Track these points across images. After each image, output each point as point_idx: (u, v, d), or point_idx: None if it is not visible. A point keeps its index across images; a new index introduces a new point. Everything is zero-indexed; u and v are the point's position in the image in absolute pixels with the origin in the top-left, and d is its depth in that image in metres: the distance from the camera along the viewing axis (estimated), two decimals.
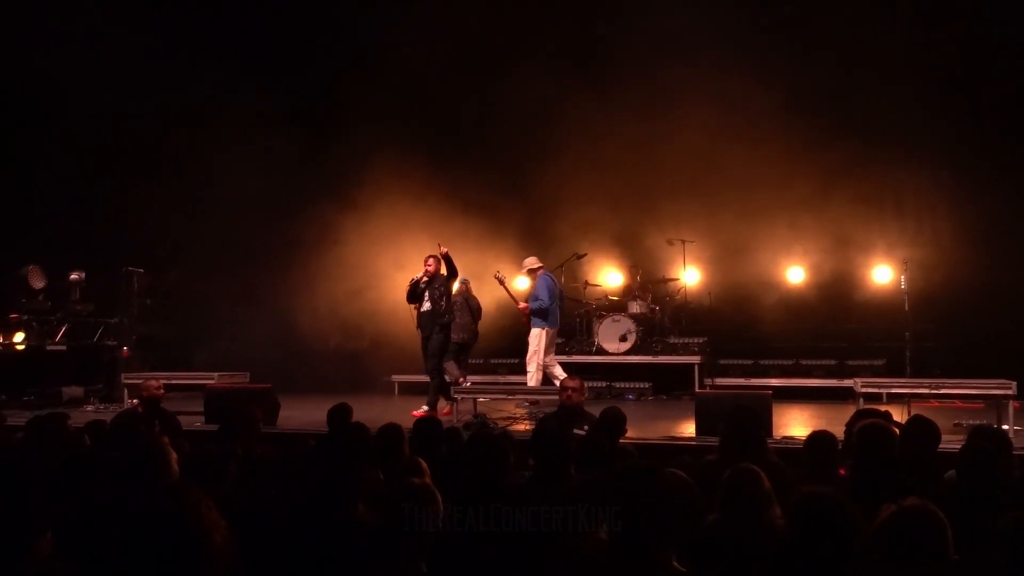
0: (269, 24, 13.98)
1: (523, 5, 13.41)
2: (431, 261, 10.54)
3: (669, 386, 12.58)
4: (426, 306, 10.50)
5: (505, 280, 11.35)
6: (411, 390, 13.51)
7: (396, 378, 13.99)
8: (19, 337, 12.57)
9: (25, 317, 12.66)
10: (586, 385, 7.86)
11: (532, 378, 10.80)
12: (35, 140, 13.10)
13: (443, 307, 10.50)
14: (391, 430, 5.24)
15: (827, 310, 13.45)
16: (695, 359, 12.54)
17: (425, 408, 10.06)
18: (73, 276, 13.19)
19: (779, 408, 9.07)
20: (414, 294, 10.59)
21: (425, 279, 10.51)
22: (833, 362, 12.53)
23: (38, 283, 12.88)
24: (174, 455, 4.05)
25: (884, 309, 12.78)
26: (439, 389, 10.50)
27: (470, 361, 13.51)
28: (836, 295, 13.46)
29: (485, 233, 13.78)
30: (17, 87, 12.70)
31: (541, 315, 10.87)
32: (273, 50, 14.02)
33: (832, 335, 13.12)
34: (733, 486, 3.68)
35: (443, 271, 10.51)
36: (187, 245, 14.45)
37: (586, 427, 6.65)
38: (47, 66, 12.43)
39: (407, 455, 4.90)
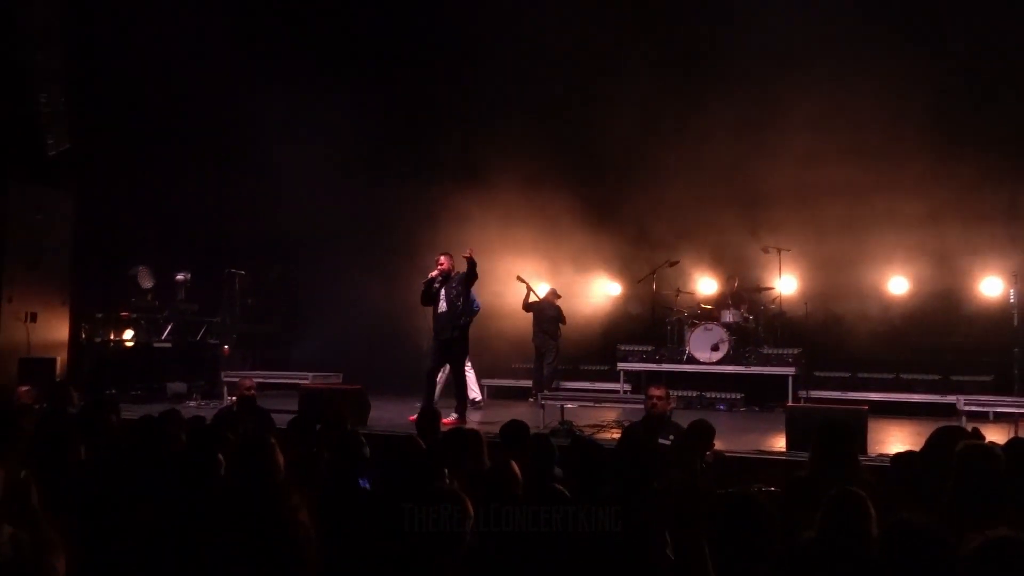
0: (371, 28, 14.22)
1: (624, 14, 13.32)
2: (443, 259, 10.09)
3: (762, 397, 12.29)
4: (442, 307, 10.00)
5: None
6: (497, 394, 13.63)
7: (486, 382, 13.97)
8: (128, 334, 13.16)
9: (134, 315, 13.22)
10: (672, 394, 7.77)
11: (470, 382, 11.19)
12: (148, 149, 13.68)
13: (460, 307, 9.98)
14: (467, 434, 5.27)
15: (931, 323, 12.95)
16: (789, 370, 12.24)
17: (455, 416, 9.60)
18: (179, 277, 13.73)
19: (876, 424, 8.78)
20: (428, 295, 10.08)
21: (440, 277, 10.02)
22: (936, 377, 12.06)
23: (147, 283, 13.44)
24: (280, 456, 4.15)
25: (992, 323, 12.25)
26: (460, 397, 10.00)
27: (560, 367, 13.69)
28: (941, 307, 12.95)
29: (580, 242, 13.88)
30: (129, 89, 13.26)
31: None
32: (372, 52, 14.28)
33: (935, 349, 12.60)
34: (836, 508, 3.50)
35: (457, 270, 10.01)
36: (288, 247, 14.92)
37: (672, 437, 6.54)
38: (155, 65, 13.01)
39: (498, 458, 4.89)
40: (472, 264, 9.81)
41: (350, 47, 14.24)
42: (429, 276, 10.08)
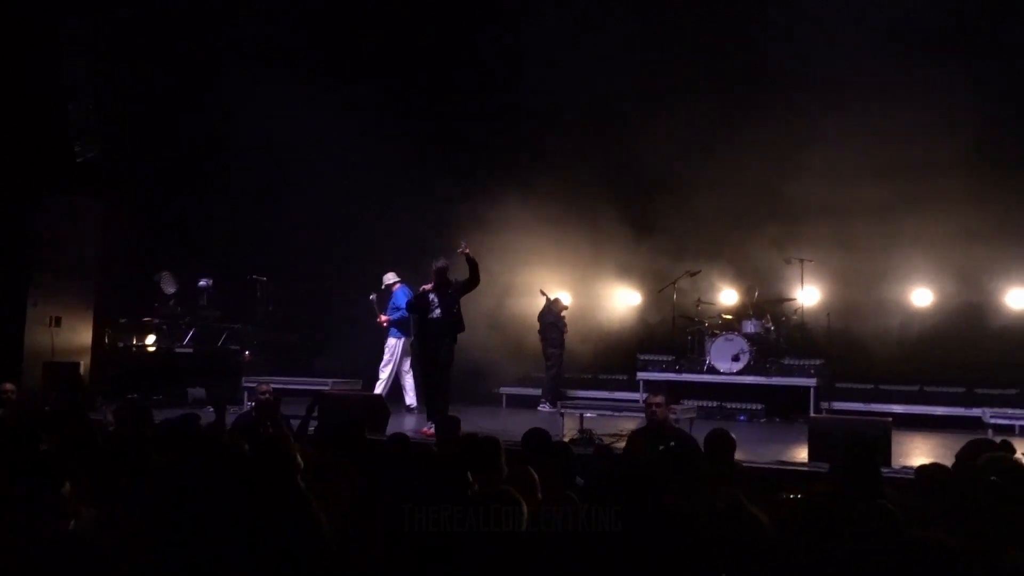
0: (411, 48, 14.27)
1: (662, 36, 13.27)
2: (440, 265, 9.86)
3: (783, 409, 12.23)
4: (436, 313, 9.75)
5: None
6: (519, 403, 13.68)
7: (504, 390, 14.10)
8: (151, 339, 13.22)
9: (157, 321, 13.29)
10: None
11: (382, 385, 11.94)
12: (175, 157, 13.81)
13: (455, 315, 9.77)
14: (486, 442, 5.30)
15: (956, 335, 12.76)
16: (811, 382, 12.17)
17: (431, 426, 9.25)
18: (202, 283, 13.79)
19: (900, 436, 8.71)
20: (421, 302, 9.90)
21: (432, 288, 9.84)
22: (961, 390, 11.93)
23: (170, 288, 13.48)
24: (300, 461, 4.19)
25: (1018, 336, 12.12)
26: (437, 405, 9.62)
27: (579, 376, 13.78)
28: (966, 319, 12.79)
29: (599, 251, 13.90)
30: (157, 99, 13.41)
31: (400, 326, 12.08)
32: (410, 71, 14.33)
33: (961, 362, 12.38)
34: (867, 523, 3.47)
35: (452, 279, 9.83)
36: (309, 255, 15.00)
37: (672, 443, 6.50)
38: (183, 76, 13.16)
39: (518, 466, 4.91)
40: (473, 265, 9.58)
41: (394, 58, 14.27)
42: (422, 289, 9.97)
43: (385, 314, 12.29)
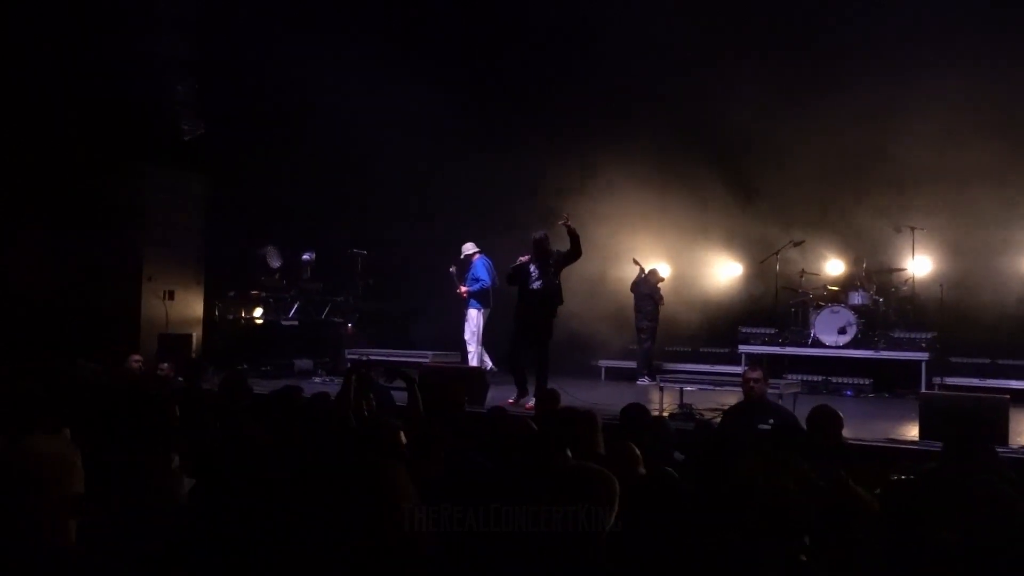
0: (502, 10, 14.21)
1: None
2: (540, 236, 9.57)
3: (892, 383, 11.84)
4: (535, 284, 9.55)
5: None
6: (618, 376, 13.63)
7: (603, 363, 14.06)
8: (258, 312, 13.71)
9: (263, 294, 13.75)
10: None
11: (476, 358, 11.80)
12: (277, 134, 14.13)
13: (555, 286, 9.57)
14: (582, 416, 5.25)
15: None
16: (922, 356, 11.72)
17: (530, 400, 9.03)
18: (305, 256, 14.17)
19: (1018, 414, 8.30)
20: (520, 273, 9.63)
21: (531, 259, 9.60)
22: None
23: (275, 263, 13.91)
24: (402, 437, 4.23)
25: None
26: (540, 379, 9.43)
27: (679, 349, 13.64)
28: None
29: (701, 220, 13.66)
30: (258, 76, 13.70)
31: (479, 298, 11.89)
32: (500, 35, 14.27)
33: None
34: (981, 506, 3.26)
35: (552, 249, 9.57)
36: (409, 227, 15.18)
37: (771, 421, 6.33)
38: (283, 51, 13.43)
39: (618, 441, 4.86)
40: (575, 237, 9.36)
41: (483, 23, 14.23)
42: (519, 261, 9.70)
43: (464, 285, 12.12)
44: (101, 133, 12.15)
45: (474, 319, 12.06)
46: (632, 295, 13.52)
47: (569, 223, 9.36)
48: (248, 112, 13.63)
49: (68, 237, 11.94)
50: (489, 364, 12.02)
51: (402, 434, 4.22)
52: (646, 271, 13.49)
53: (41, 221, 12.09)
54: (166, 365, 9.44)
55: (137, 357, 9.49)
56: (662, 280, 13.55)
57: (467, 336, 12.09)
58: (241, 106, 13.53)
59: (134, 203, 12.48)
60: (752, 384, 7.01)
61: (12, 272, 11.78)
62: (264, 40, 13.16)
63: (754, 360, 11.41)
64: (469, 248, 12.24)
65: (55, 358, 8.32)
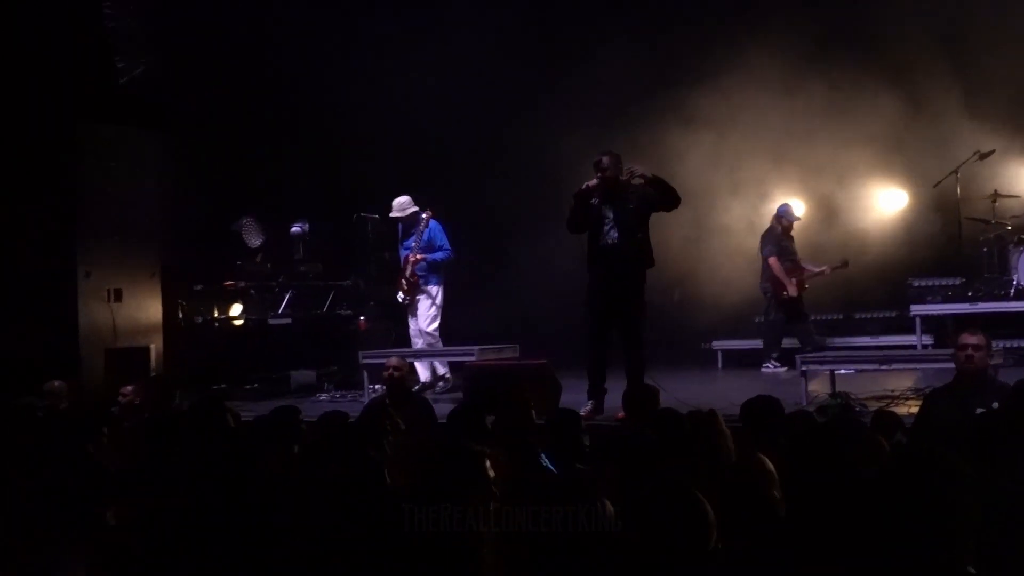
0: None
1: None
2: (606, 160, 9.07)
3: None
4: (611, 237, 9.18)
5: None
6: (737, 361, 13.66)
7: (718, 345, 14.08)
8: (236, 310, 13.59)
9: (242, 284, 13.63)
10: (996, 345, 7.42)
11: (428, 365, 11.99)
12: (250, 76, 14.24)
13: (639, 240, 9.20)
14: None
15: None
16: None
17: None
18: (295, 228, 14.08)
19: None
20: (582, 216, 9.20)
21: (599, 189, 9.12)
22: None
23: (255, 240, 13.84)
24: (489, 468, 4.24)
25: None
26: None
27: (826, 318, 13.53)
28: None
29: (847, 137, 13.71)
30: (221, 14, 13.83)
31: (439, 269, 12.10)
32: None
33: None
34: None
35: (632, 181, 9.14)
36: (432, 177, 15.17)
37: (996, 405, 6.26)
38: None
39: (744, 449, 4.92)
40: (659, 184, 9.04)
41: None
42: (585, 186, 9.17)
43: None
44: (10, 81, 12.19)
45: (433, 298, 12.13)
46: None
47: (642, 173, 9.09)
48: (214, 45, 13.62)
49: None
50: (443, 370, 12.10)
51: (488, 463, 4.19)
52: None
53: None
54: (130, 389, 9.45)
55: (56, 384, 9.27)
56: (797, 219, 13.33)
57: (423, 326, 12.09)
58: (205, 38, 13.56)
59: (62, 174, 12.41)
60: (971, 352, 6.92)
61: None
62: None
63: (962, 322, 11.07)
64: (408, 203, 12.24)
65: None
